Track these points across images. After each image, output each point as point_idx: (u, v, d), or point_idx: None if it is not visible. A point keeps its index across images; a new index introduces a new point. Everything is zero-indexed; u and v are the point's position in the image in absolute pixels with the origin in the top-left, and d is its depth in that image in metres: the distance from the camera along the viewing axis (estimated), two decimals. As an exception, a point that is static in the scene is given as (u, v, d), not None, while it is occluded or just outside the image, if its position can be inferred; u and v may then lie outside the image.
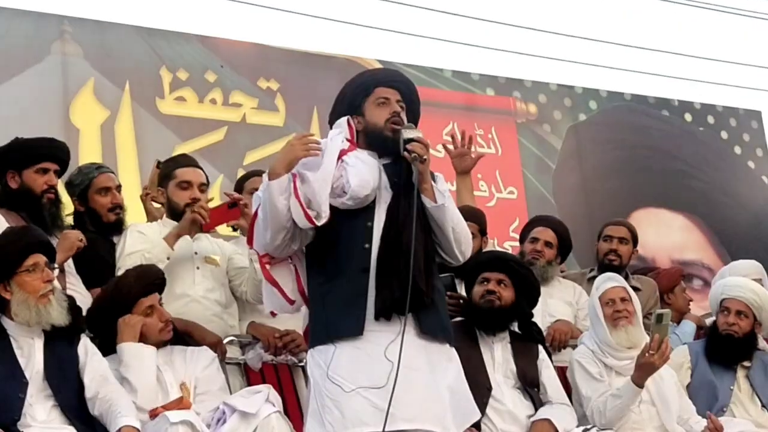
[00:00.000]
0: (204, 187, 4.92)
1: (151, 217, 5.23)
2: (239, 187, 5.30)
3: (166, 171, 4.94)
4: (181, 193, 4.84)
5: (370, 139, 3.81)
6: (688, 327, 6.32)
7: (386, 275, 3.61)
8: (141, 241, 4.68)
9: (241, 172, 8.05)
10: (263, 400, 3.92)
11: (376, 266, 3.64)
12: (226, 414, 3.90)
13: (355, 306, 3.64)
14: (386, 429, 3.48)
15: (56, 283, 4.06)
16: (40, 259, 3.94)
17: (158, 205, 5.19)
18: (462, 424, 3.72)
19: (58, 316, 3.92)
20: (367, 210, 3.72)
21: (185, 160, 5.05)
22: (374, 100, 3.87)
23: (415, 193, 3.64)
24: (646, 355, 4.60)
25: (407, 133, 3.69)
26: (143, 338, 4.18)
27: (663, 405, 4.80)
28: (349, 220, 3.71)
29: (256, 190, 3.89)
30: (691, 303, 6.70)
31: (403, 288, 3.54)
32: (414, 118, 3.91)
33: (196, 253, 4.80)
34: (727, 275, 6.19)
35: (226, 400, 4.00)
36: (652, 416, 4.78)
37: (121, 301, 4.23)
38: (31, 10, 7.78)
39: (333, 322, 3.69)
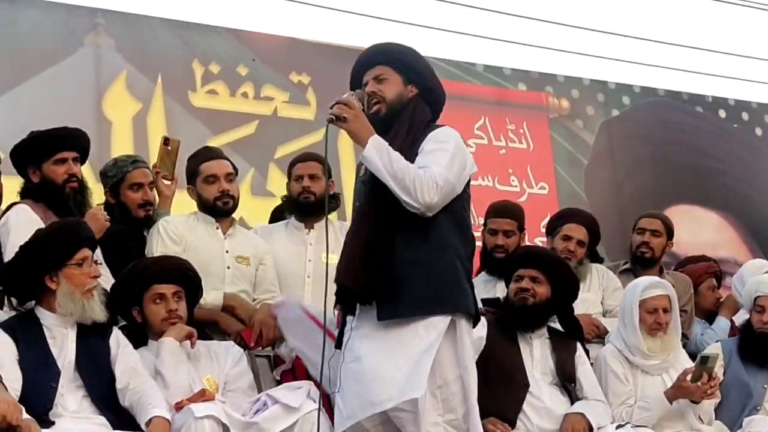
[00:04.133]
0: (232, 176, 4.90)
1: (163, 196, 5.18)
2: (288, 172, 5.25)
3: (192, 168, 4.92)
4: (209, 188, 4.83)
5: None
6: (723, 323, 6.27)
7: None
8: (168, 244, 4.70)
9: (272, 166, 8.10)
10: (305, 395, 3.93)
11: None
12: (267, 405, 3.92)
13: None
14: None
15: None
16: (89, 254, 3.97)
17: (168, 183, 5.18)
18: (406, 394, 3.60)
19: (100, 312, 3.97)
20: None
21: (208, 153, 5.01)
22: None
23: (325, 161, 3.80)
24: (691, 381, 4.61)
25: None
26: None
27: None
28: None
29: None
30: (723, 299, 6.64)
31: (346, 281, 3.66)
32: (414, 70, 3.91)
33: (227, 251, 4.79)
34: (744, 274, 6.17)
35: (269, 392, 4.04)
36: (680, 413, 4.75)
37: (135, 286, 4.25)
38: (64, 2, 7.79)
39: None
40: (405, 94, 3.88)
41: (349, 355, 3.63)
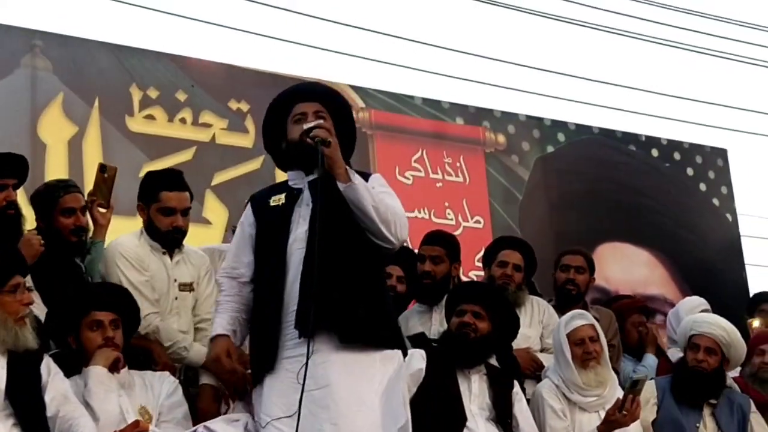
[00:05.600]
0: (188, 211, 4.81)
1: (98, 225, 5.05)
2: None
3: (151, 189, 4.80)
4: (164, 219, 4.73)
5: (294, 158, 3.83)
6: (651, 360, 6.33)
7: (302, 295, 3.65)
8: (139, 269, 4.63)
9: (208, 193, 8.03)
10: (242, 427, 3.86)
11: (292, 286, 3.70)
12: None
13: (267, 341, 3.72)
14: None
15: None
16: (21, 280, 3.89)
17: (104, 211, 5.07)
18: (392, 428, 3.67)
19: (32, 340, 3.90)
20: (284, 232, 3.77)
21: (171, 182, 4.84)
22: (292, 118, 3.88)
23: (319, 180, 3.64)
24: (617, 413, 4.63)
25: (307, 126, 3.71)
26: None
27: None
28: (270, 243, 3.80)
29: None
30: (648, 335, 6.67)
31: (318, 305, 3.58)
32: (346, 124, 3.94)
33: (175, 280, 4.73)
34: (680, 311, 6.24)
35: (206, 424, 3.94)
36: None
37: (71, 312, 4.17)
38: (1, 23, 7.68)
39: (256, 358, 3.81)
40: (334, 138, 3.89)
41: (312, 382, 3.57)
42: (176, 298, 4.70)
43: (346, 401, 3.60)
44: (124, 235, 4.92)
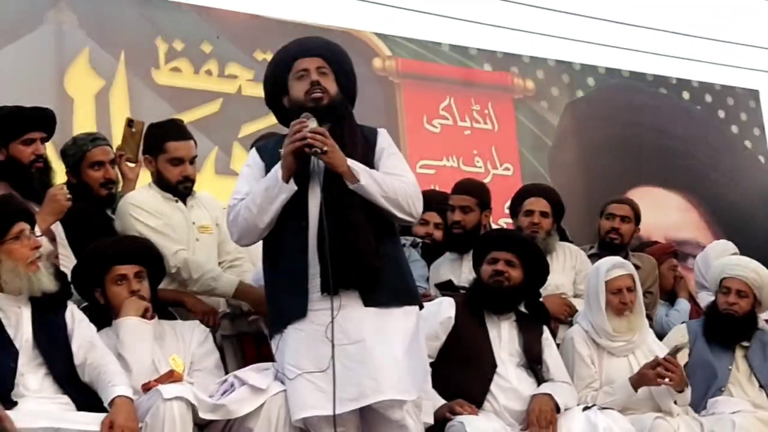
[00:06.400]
0: (194, 159, 4.78)
1: (126, 179, 5.10)
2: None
3: (155, 142, 4.77)
4: (172, 170, 4.69)
5: (298, 116, 3.78)
6: (684, 305, 6.31)
7: (323, 253, 3.64)
8: (156, 215, 4.62)
9: (236, 145, 8.04)
10: (272, 376, 3.87)
11: (317, 245, 3.68)
12: (235, 386, 3.87)
13: (298, 287, 3.70)
14: (335, 412, 3.56)
15: (42, 249, 4.00)
16: (25, 226, 3.88)
17: (132, 165, 5.10)
18: (420, 386, 3.76)
19: (48, 283, 3.88)
20: (301, 190, 3.73)
21: (176, 131, 4.81)
22: (294, 75, 3.87)
23: (320, 183, 3.67)
24: (655, 369, 4.64)
25: (298, 137, 3.68)
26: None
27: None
28: (286, 205, 3.74)
29: None
30: (682, 280, 6.66)
31: (340, 264, 3.60)
32: (348, 78, 3.94)
33: (193, 223, 4.72)
34: (709, 255, 6.20)
35: (236, 373, 3.96)
36: (647, 396, 4.74)
37: (95, 268, 4.18)
38: (26, -22, 7.70)
39: (280, 305, 3.80)
40: (339, 94, 3.90)
41: (343, 336, 3.61)
42: (197, 240, 4.69)
43: (381, 356, 3.63)
44: (132, 191, 4.93)
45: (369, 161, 3.83)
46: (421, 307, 3.93)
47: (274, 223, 3.77)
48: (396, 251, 3.88)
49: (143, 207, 4.62)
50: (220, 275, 4.58)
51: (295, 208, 3.73)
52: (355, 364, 3.61)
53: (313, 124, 3.71)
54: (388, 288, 3.73)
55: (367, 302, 3.69)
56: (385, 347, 3.65)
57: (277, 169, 3.72)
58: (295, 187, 3.70)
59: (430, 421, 4.07)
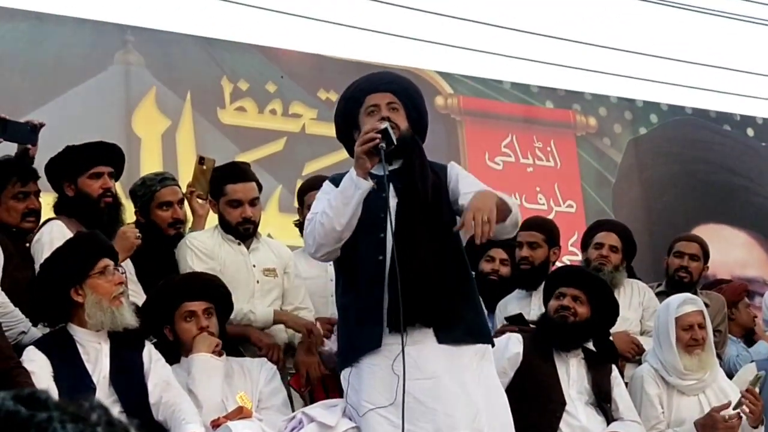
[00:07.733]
0: (256, 200, 4.83)
1: (197, 215, 5.16)
2: (300, 199, 5.26)
3: (217, 184, 4.85)
4: (232, 212, 4.76)
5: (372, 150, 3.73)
6: (763, 347, 6.20)
7: (395, 287, 3.58)
8: (204, 259, 4.67)
9: (299, 183, 8.08)
10: (341, 413, 3.87)
11: (389, 278, 3.64)
12: (303, 423, 3.87)
13: (371, 319, 3.68)
14: None
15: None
16: (109, 262, 3.95)
17: (202, 202, 5.14)
18: (497, 426, 3.71)
19: (131, 318, 3.94)
20: (379, 221, 3.70)
21: (235, 174, 4.88)
22: (365, 110, 3.86)
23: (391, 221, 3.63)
24: (725, 416, 4.55)
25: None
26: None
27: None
28: (365, 233, 3.72)
29: None
30: (756, 319, 6.58)
31: (413, 299, 3.57)
32: (418, 113, 3.92)
33: (254, 265, 4.76)
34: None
35: (304, 410, 3.97)
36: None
37: (164, 304, 4.23)
38: (94, 19, 7.83)
39: (352, 338, 3.78)
40: (409, 129, 3.86)
41: (417, 371, 3.58)
42: (258, 282, 4.73)
43: (456, 393, 3.62)
44: (195, 232, 5.00)
45: (441, 196, 3.81)
46: (493, 345, 3.92)
47: (352, 228, 3.70)
48: (470, 288, 3.86)
49: (196, 249, 4.69)
50: (256, 306, 4.63)
51: (373, 243, 3.71)
52: (430, 399, 3.59)
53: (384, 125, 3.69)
54: (462, 326, 3.72)
55: (441, 339, 3.67)
56: (460, 384, 3.63)
57: (352, 172, 3.69)
58: (371, 183, 3.64)
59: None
